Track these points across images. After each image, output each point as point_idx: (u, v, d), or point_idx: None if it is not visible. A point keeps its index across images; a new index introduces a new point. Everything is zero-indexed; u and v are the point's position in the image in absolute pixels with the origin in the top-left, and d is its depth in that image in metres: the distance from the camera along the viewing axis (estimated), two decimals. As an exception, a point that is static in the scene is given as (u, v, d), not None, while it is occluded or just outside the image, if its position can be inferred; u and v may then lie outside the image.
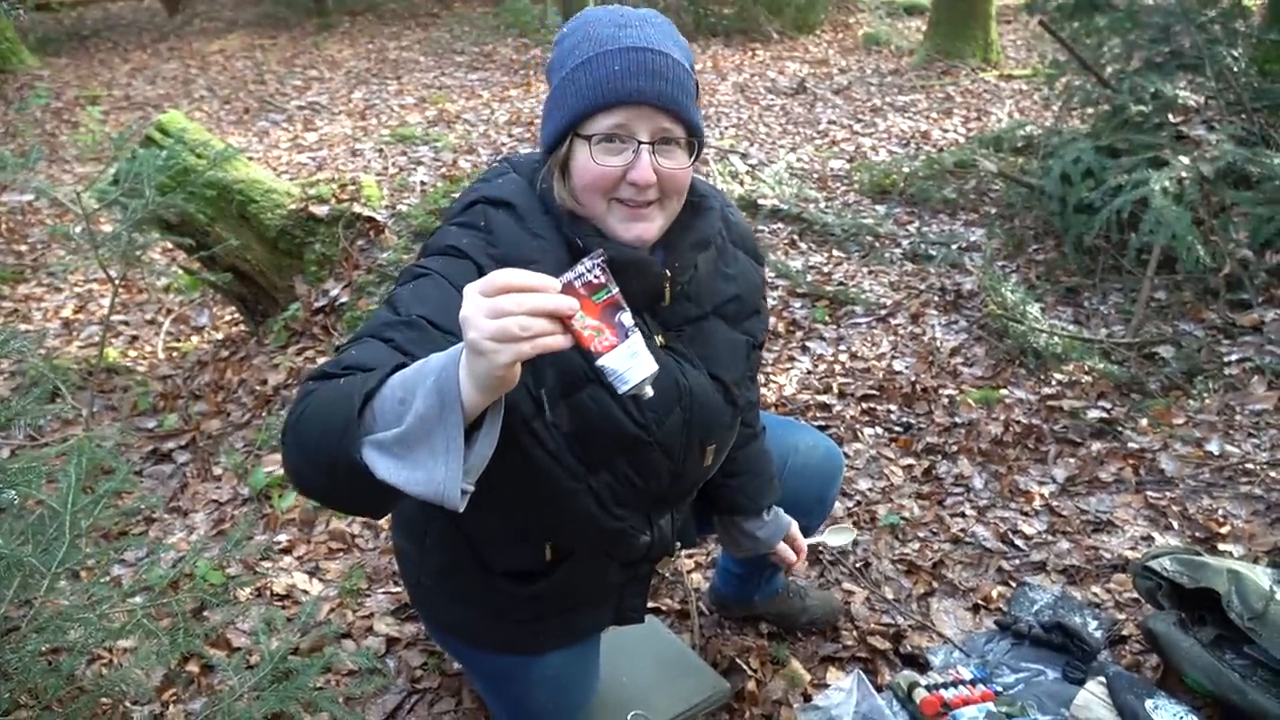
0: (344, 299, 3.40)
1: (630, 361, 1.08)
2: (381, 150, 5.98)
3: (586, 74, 1.34)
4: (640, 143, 1.35)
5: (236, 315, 3.85)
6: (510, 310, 0.98)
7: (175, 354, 3.74)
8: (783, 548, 1.94)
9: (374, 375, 1.09)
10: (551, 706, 1.95)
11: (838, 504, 2.84)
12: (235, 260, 3.40)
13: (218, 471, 2.98)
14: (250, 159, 3.74)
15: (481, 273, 1.31)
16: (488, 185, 1.50)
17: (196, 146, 3.25)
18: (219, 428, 3.18)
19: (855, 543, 2.08)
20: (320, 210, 3.52)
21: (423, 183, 4.94)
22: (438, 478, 1.03)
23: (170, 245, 3.94)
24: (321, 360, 3.20)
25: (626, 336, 1.08)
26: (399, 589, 2.51)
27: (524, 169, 1.54)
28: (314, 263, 3.48)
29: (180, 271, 4.23)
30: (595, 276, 1.08)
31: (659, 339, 1.51)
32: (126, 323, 4.09)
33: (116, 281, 2.78)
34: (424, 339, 1.24)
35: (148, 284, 4.24)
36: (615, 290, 1.09)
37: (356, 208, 3.57)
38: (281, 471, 2.90)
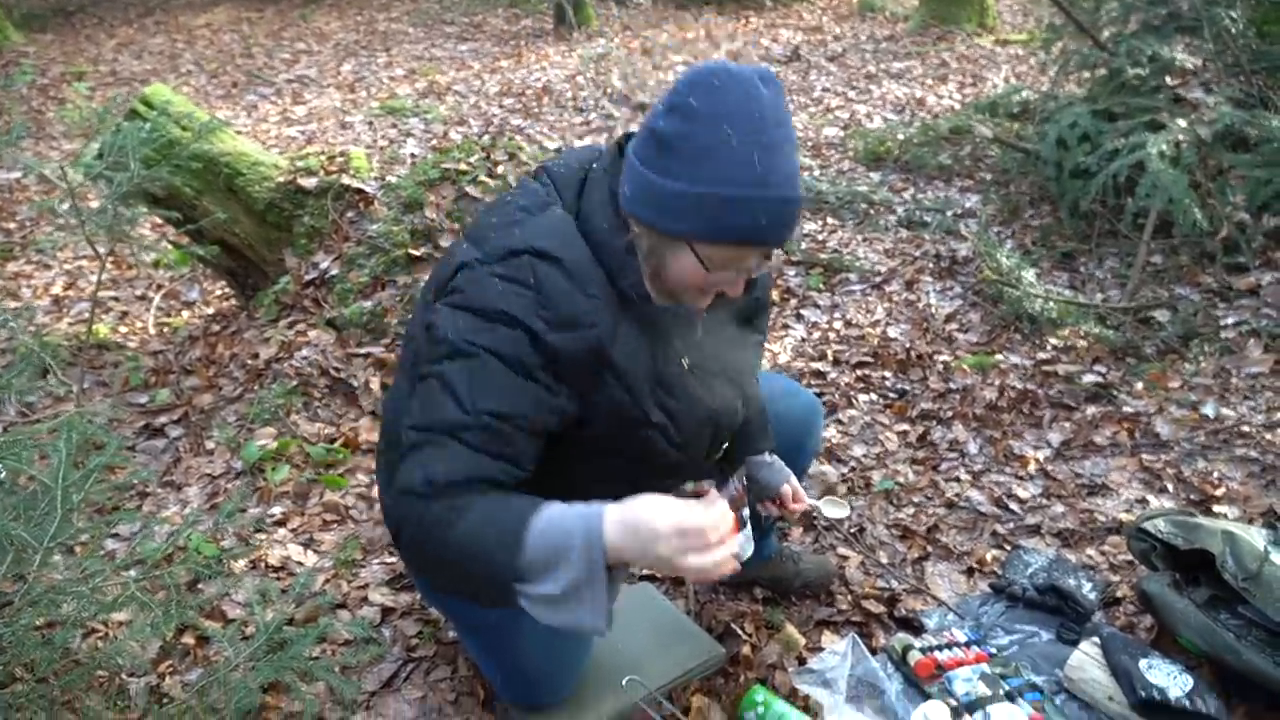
0: (334, 271, 3.39)
1: (742, 542, 1.75)
2: (371, 123, 5.95)
3: (728, 213, 1.34)
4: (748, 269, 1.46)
5: (227, 290, 3.84)
6: (709, 564, 1.22)
7: (166, 329, 3.73)
8: (785, 490, 1.97)
9: (511, 534, 1.26)
10: (546, 666, 1.97)
11: (833, 471, 2.85)
12: (223, 234, 3.39)
13: (210, 446, 2.99)
14: (239, 133, 3.71)
15: (534, 339, 1.38)
16: (533, 226, 1.45)
17: (181, 119, 3.23)
18: (211, 402, 3.18)
19: (851, 512, 2.09)
20: (309, 183, 3.50)
21: (413, 155, 4.92)
22: (586, 623, 1.26)
23: (159, 221, 3.93)
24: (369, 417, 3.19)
25: (744, 527, 1.87)
26: (394, 559, 2.52)
27: (568, 190, 1.52)
28: (303, 235, 3.47)
29: (169, 247, 4.22)
30: (736, 491, 1.86)
31: (685, 362, 1.61)
32: (117, 299, 4.08)
33: (104, 257, 2.78)
34: (497, 439, 1.38)
35: (137, 260, 4.23)
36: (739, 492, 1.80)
37: (345, 179, 3.55)
38: (274, 445, 2.92)
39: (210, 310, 3.85)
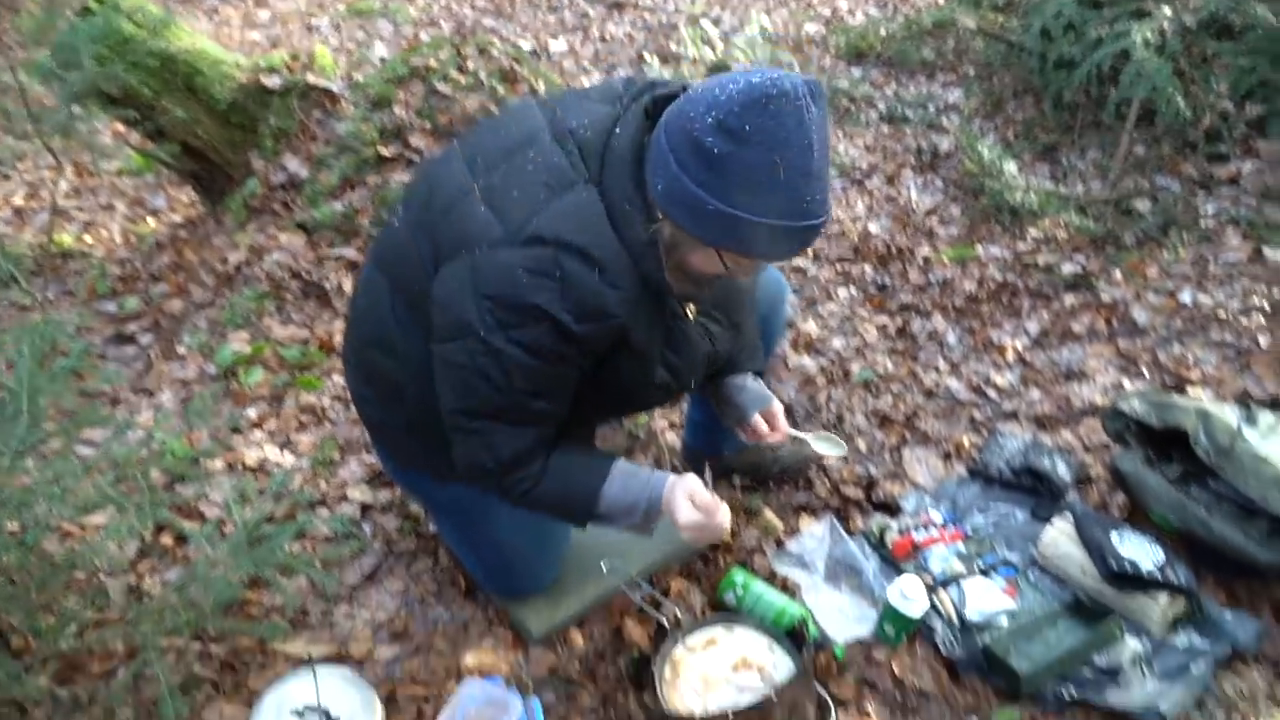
0: (303, 173, 3.33)
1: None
2: (338, 26, 5.79)
3: (766, 238, 1.39)
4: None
5: (193, 196, 3.77)
6: (708, 534, 1.69)
7: (132, 237, 3.66)
8: (757, 420, 1.94)
9: (587, 499, 1.68)
10: (525, 556, 1.99)
11: (811, 364, 2.85)
12: (185, 136, 3.31)
13: (182, 351, 2.96)
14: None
15: (561, 329, 1.46)
16: (559, 212, 1.45)
17: (133, 13, 3.12)
18: (181, 308, 3.14)
19: (845, 452, 2.06)
20: (272, 82, 3.41)
21: (382, 59, 4.79)
22: (645, 533, 1.76)
23: (121, 129, 3.83)
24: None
25: None
26: (372, 458, 2.53)
27: (593, 160, 1.49)
28: (269, 137, 3.39)
29: (132, 154, 4.12)
30: None
31: (692, 312, 1.72)
32: (80, 209, 3.99)
33: (60, 158, 2.71)
34: (536, 411, 1.58)
35: (99, 168, 4.14)
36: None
37: (310, 78, 3.46)
38: (247, 349, 2.89)
39: (177, 217, 3.77)
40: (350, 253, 3.18)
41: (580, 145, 1.51)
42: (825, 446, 2.04)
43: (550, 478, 1.65)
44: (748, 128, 1.30)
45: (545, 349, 1.48)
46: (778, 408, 1.96)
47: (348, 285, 3.09)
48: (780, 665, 1.88)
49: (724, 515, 1.67)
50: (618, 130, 1.49)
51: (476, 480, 1.67)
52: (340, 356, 2.90)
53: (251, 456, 2.52)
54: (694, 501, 1.66)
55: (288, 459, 2.53)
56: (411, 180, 1.74)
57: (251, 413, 2.70)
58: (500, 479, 1.64)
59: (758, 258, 1.49)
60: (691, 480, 1.68)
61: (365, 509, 2.37)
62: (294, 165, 3.34)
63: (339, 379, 2.83)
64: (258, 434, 2.62)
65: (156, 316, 3.13)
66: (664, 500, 1.68)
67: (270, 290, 3.10)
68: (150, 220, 3.81)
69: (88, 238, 3.72)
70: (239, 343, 2.93)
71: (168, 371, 2.89)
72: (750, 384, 1.98)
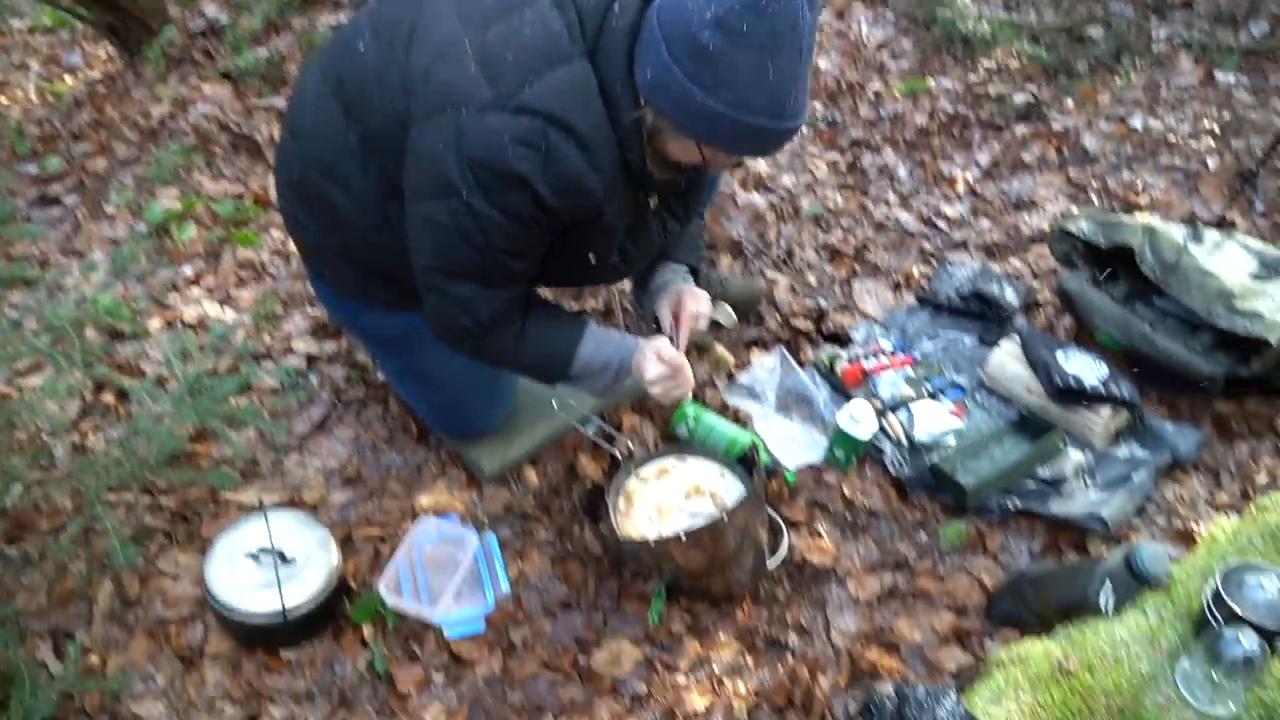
0: (223, 18, 3.16)
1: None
2: None
3: (747, 135, 1.41)
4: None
5: (111, 51, 3.57)
6: (675, 389, 1.77)
7: (49, 96, 3.49)
8: (664, 314, 1.88)
9: (562, 361, 1.74)
10: (475, 397, 1.98)
11: (760, 200, 2.81)
12: (94, -16, 3.12)
13: (110, 210, 2.85)
14: None
15: (539, 201, 1.47)
16: (552, 85, 1.43)
17: None
18: (106, 167, 3.02)
19: (735, 322, 2.05)
20: (183, -79, 3.20)
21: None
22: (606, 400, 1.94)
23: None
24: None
25: None
26: (316, 310, 2.48)
27: (591, 34, 1.45)
28: (185, -18, 3.21)
29: (44, 9, 3.89)
30: None
31: (654, 203, 1.70)
32: (-9, 70, 3.79)
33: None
34: (512, 271, 1.60)
35: (8, 26, 3.90)
36: None
37: (224, -85, 3.25)
38: (178, 205, 2.79)
39: (95, 73, 3.58)
40: (279, 102, 3.05)
41: (580, 14, 1.47)
42: (721, 317, 2.03)
43: (527, 339, 1.70)
44: (745, 27, 1.30)
45: (524, 215, 1.49)
46: (689, 303, 1.86)
47: (279, 135, 2.97)
48: (732, 491, 1.91)
49: (690, 372, 1.75)
50: (616, 8, 1.46)
51: (454, 343, 1.70)
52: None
53: (190, 313, 2.46)
54: (661, 358, 1.71)
55: (229, 315, 2.47)
56: (384, 6, 1.64)
57: (188, 270, 2.62)
58: (480, 340, 1.67)
59: (735, 154, 1.54)
60: (659, 339, 1.75)
61: (311, 360, 2.34)
62: (212, 10, 3.17)
63: (278, 234, 2.75)
64: (195, 291, 2.56)
65: (80, 176, 3.00)
66: (634, 361, 1.74)
67: (198, 144, 2.97)
68: (67, 78, 3.62)
69: (2, 99, 3.54)
70: (169, 199, 2.83)
71: (97, 231, 2.79)
72: (675, 268, 1.93)
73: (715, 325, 2.03)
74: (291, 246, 2.70)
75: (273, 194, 2.87)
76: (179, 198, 2.83)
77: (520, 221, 1.50)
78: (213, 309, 2.49)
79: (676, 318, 1.85)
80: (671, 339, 1.81)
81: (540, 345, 1.73)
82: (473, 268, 1.58)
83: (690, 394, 1.82)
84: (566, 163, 1.45)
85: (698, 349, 2.33)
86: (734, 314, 2.03)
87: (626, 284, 2.50)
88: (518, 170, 1.44)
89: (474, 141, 1.44)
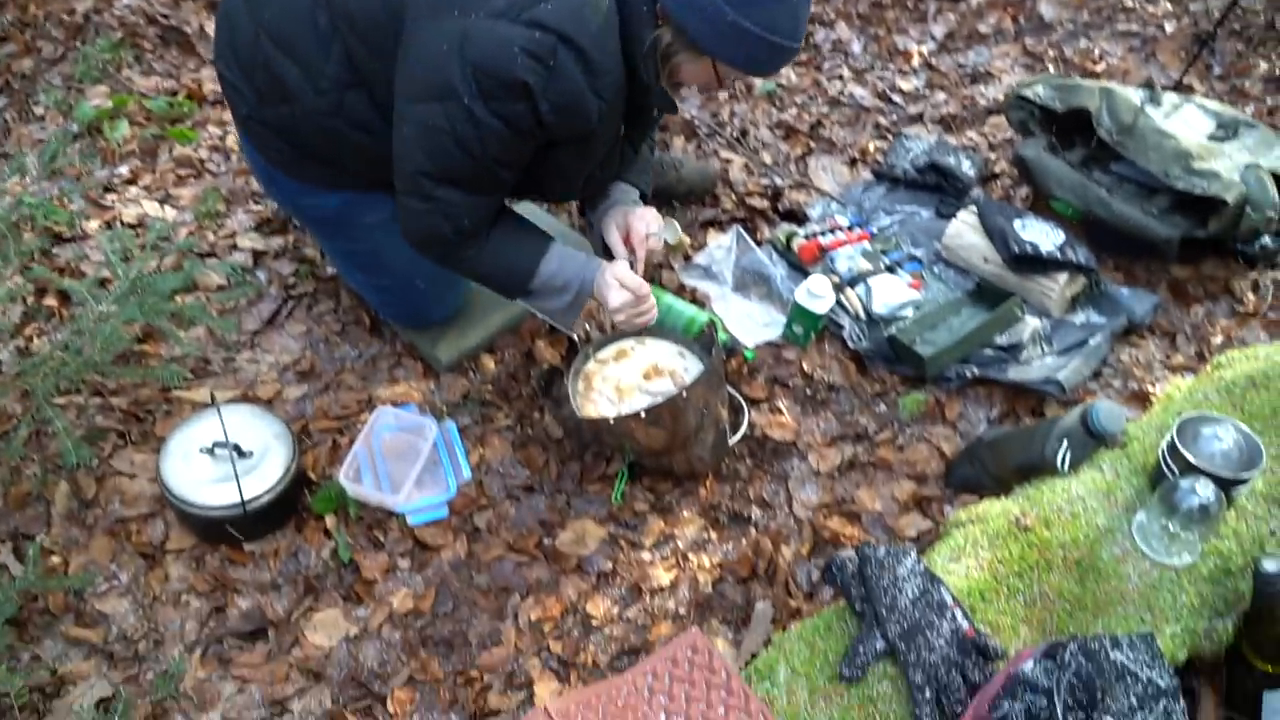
0: (144, -96, 2.98)
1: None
2: None
3: (764, 53, 1.47)
4: None
5: (27, -56, 3.38)
6: (638, 315, 1.77)
7: (-35, -5, 3.30)
8: (613, 236, 1.82)
9: (524, 273, 1.71)
10: (426, 283, 1.93)
11: (722, 96, 2.74)
12: None
13: (39, 111, 2.72)
14: None
15: (537, 115, 1.46)
16: (568, 4, 1.41)
17: None
18: (32, 66, 2.87)
19: (681, 235, 1.98)
20: None
21: None
22: (563, 325, 1.83)
23: None
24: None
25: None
26: (260, 206, 2.40)
27: None
28: None
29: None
30: None
31: (622, 130, 1.73)
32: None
33: None
34: (499, 180, 1.59)
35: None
36: None
37: None
38: (109, 103, 2.67)
39: (13, -30, 3.40)
40: (210, -9, 2.91)
41: None
42: (669, 234, 1.95)
43: (494, 249, 1.69)
44: None
45: (522, 126, 1.48)
46: (636, 223, 1.81)
47: (210, 28, 2.84)
48: (692, 370, 1.89)
49: (653, 298, 1.76)
50: None
51: (427, 248, 1.68)
52: (215, 105, 2.72)
53: (129, 213, 2.38)
54: (624, 284, 1.69)
55: (169, 214, 2.39)
56: None
57: (124, 170, 2.52)
58: (453, 248, 1.66)
59: (750, 73, 1.58)
60: (620, 264, 1.74)
61: (258, 256, 2.27)
62: (133, -105, 2.99)
63: (214, 129, 2.65)
64: (133, 190, 2.46)
65: (6, 77, 2.86)
66: (595, 284, 1.73)
67: (125, 38, 2.84)
68: (-18, -25, 3.43)
69: (-87, 1, 3.35)
70: (99, 98, 2.70)
71: (28, 134, 2.67)
72: (626, 198, 1.88)
73: (666, 246, 1.96)
74: (232, 142, 2.61)
75: (208, 88, 2.76)
76: (109, 95, 2.71)
77: (517, 131, 1.49)
78: (152, 208, 2.41)
79: (628, 242, 1.82)
80: (632, 265, 1.78)
81: (505, 257, 1.71)
82: (463, 174, 1.55)
83: (653, 318, 1.81)
84: (571, 82, 1.43)
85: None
86: (681, 230, 1.97)
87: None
88: (523, 79, 1.41)
89: (481, 48, 1.41)
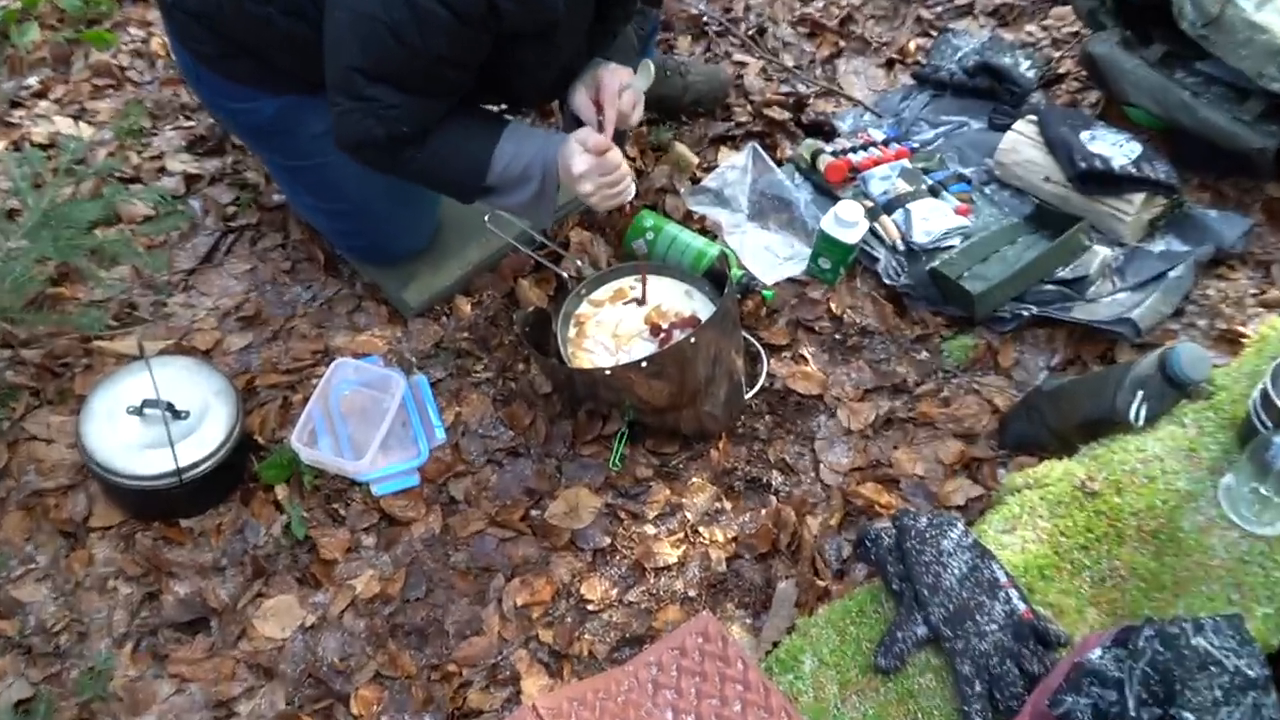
0: None
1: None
2: None
3: None
4: None
5: None
6: (610, 186, 1.68)
7: None
8: (580, 95, 1.74)
9: (477, 162, 1.67)
10: (394, 211, 1.92)
11: None
12: None
13: (-69, 12, 2.68)
14: None
15: (491, 3, 1.43)
16: None
17: None
18: (-80, -41, 2.83)
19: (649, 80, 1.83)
20: None
21: None
22: (539, 221, 1.87)
23: None
24: None
25: None
26: (192, 122, 2.37)
27: None
28: None
29: None
30: None
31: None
32: None
33: None
34: (446, 80, 1.57)
35: None
36: None
37: None
38: (17, 2, 2.62)
39: None
40: None
41: None
42: (641, 79, 1.79)
43: (439, 146, 1.64)
44: None
45: (471, 13, 1.45)
46: (608, 85, 1.71)
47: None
48: (702, 313, 1.88)
49: (626, 166, 1.69)
50: None
51: (360, 155, 1.65)
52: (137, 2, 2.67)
53: (39, 131, 2.35)
54: (587, 146, 1.63)
55: (85, 131, 2.36)
56: None
57: (33, 81, 2.49)
58: (392, 153, 1.63)
59: None
60: (582, 129, 1.67)
61: (191, 181, 2.25)
62: None
63: (137, 31, 2.61)
64: (43, 104, 2.43)
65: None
66: (559, 158, 1.66)
67: (31, -76, 2.78)
68: None
69: None
70: (1, -3, 2.66)
71: (-85, 43, 2.63)
72: (596, 65, 1.77)
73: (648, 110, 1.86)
74: (158, 45, 2.57)
75: (129, -17, 2.71)
76: (15, -8, 2.67)
77: (465, 20, 1.45)
78: (65, 125, 2.39)
79: (598, 104, 1.73)
80: (602, 129, 1.69)
81: (452, 152, 1.68)
82: (401, 71, 1.52)
83: (632, 193, 1.73)
84: None
85: (653, 149, 2.26)
86: (652, 68, 1.82)
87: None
88: None
89: None
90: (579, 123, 1.74)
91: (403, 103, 1.55)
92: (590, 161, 1.64)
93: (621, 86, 1.70)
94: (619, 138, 1.78)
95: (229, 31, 1.67)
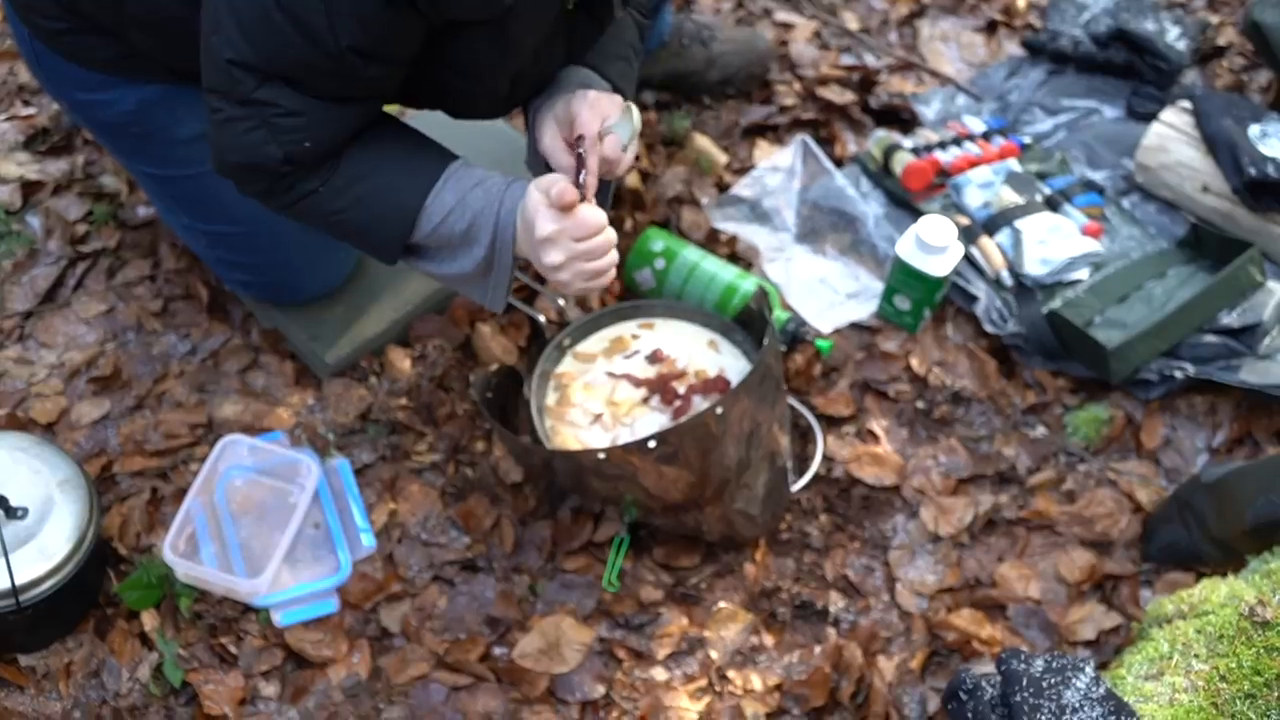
0: None
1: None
2: None
3: None
4: None
5: None
6: (585, 263, 1.62)
7: None
8: (549, 130, 1.75)
9: (405, 210, 1.65)
10: (310, 237, 1.94)
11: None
12: None
13: None
14: None
15: None
16: None
17: None
18: None
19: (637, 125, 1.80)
20: None
21: None
22: (485, 303, 1.74)
23: None
24: None
25: None
26: (30, 111, 2.43)
27: None
28: None
29: None
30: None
31: (570, 4, 1.68)
32: None
33: None
34: (361, 80, 1.56)
35: None
36: None
37: None
38: None
39: None
40: None
41: None
42: (621, 126, 1.74)
43: (349, 176, 1.65)
44: None
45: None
46: (587, 122, 1.69)
47: None
48: (732, 371, 1.91)
49: (611, 231, 1.64)
50: None
51: (245, 182, 1.65)
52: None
53: None
54: (550, 197, 1.59)
55: (-118, 121, 2.43)
56: None
57: None
58: (290, 181, 1.62)
59: None
60: (550, 176, 1.63)
61: (29, 190, 2.30)
62: None
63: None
64: None
65: None
66: (523, 213, 1.64)
67: None
68: None
69: None
70: None
71: None
72: (571, 81, 1.81)
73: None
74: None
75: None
76: None
77: (385, 1, 1.46)
78: None
79: (572, 143, 1.70)
80: (578, 177, 1.64)
81: (372, 192, 1.66)
82: (301, 68, 1.52)
83: (611, 262, 1.64)
84: None
85: (665, 144, 2.31)
86: (637, 114, 1.78)
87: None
88: None
89: None
90: (548, 167, 1.72)
91: (304, 109, 1.55)
92: (560, 222, 1.58)
93: (604, 127, 1.68)
94: (603, 192, 1.76)
95: (74, 2, 1.71)
